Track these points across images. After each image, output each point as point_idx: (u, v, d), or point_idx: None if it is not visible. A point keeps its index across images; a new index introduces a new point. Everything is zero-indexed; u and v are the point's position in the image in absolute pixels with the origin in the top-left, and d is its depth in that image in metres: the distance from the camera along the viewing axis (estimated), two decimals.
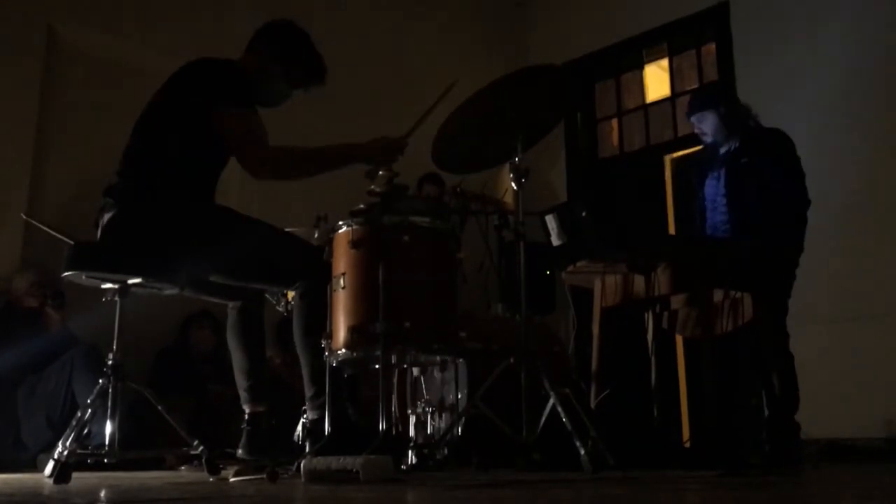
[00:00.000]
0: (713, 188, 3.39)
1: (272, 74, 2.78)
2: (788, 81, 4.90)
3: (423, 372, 3.07)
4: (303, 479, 2.16)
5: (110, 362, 2.48)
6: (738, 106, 3.45)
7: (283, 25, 2.84)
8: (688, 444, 3.60)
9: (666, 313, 3.37)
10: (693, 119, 3.40)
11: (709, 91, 3.58)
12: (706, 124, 3.35)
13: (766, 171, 3.24)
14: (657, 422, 3.27)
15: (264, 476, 2.25)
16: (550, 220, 3.10)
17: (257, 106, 2.75)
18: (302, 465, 2.20)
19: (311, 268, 2.65)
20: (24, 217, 3.71)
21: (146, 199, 2.58)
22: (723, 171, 3.34)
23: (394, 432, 2.82)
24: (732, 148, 3.35)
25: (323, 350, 2.56)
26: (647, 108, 5.96)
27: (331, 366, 2.58)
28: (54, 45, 4.25)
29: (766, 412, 3.17)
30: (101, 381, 2.49)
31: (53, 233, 3.11)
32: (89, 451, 2.56)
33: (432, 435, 3.01)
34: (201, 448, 2.49)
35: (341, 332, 2.52)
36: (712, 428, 2.87)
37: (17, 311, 3.67)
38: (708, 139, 3.37)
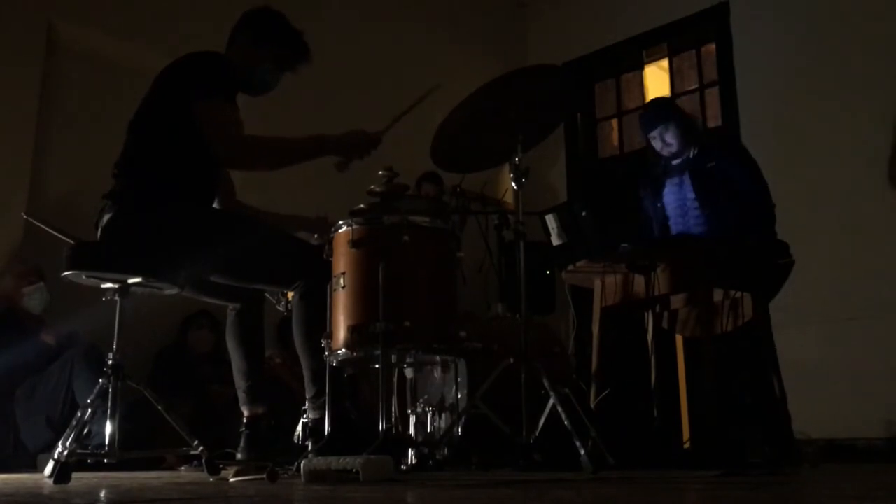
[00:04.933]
0: (676, 195, 3.41)
1: (257, 61, 2.79)
2: (788, 82, 4.91)
3: (418, 371, 3.07)
4: (303, 479, 2.16)
5: (110, 362, 2.48)
6: (689, 116, 3.52)
7: (259, 11, 2.86)
8: (688, 445, 3.60)
9: (666, 313, 3.37)
10: (656, 132, 3.38)
11: (663, 104, 3.61)
12: (670, 134, 3.36)
13: (737, 175, 3.28)
14: (657, 422, 3.27)
15: (264, 476, 2.25)
16: (550, 220, 3.10)
17: (250, 94, 2.79)
18: (302, 465, 2.19)
19: (311, 268, 2.65)
20: (25, 217, 3.71)
21: (144, 200, 2.59)
22: (686, 178, 3.37)
23: (394, 432, 2.82)
24: (692, 155, 3.38)
25: (323, 350, 2.56)
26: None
27: (331, 365, 2.58)
28: (54, 45, 4.25)
29: (764, 412, 3.17)
30: (101, 380, 2.49)
31: (55, 232, 3.11)
32: (89, 451, 2.55)
33: (432, 435, 3.01)
34: (201, 448, 2.49)
35: (341, 332, 2.51)
36: (712, 428, 2.87)
37: (19, 312, 3.66)
38: (673, 149, 3.38)
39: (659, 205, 3.47)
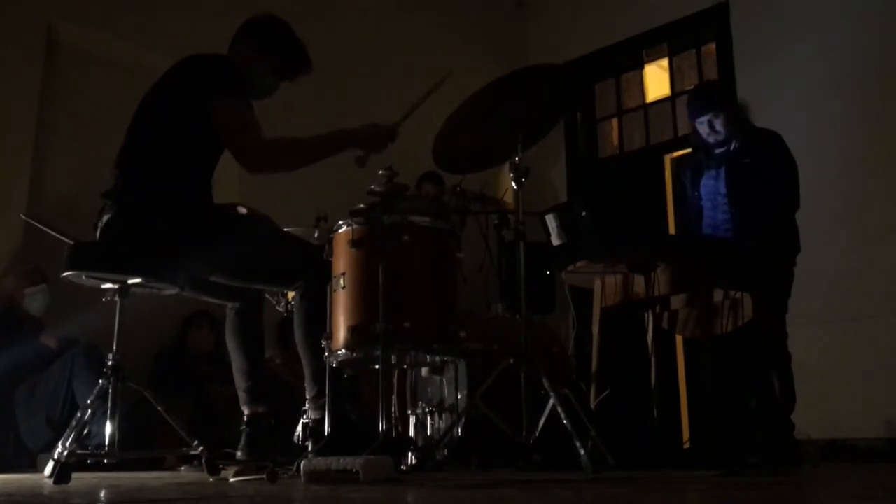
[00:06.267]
0: (711, 187, 3.37)
1: (258, 68, 2.79)
2: (788, 81, 4.91)
3: (431, 372, 3.07)
4: (303, 480, 2.16)
5: (110, 362, 2.48)
6: (739, 105, 3.45)
7: (265, 19, 2.86)
8: (688, 445, 3.60)
9: (666, 313, 3.36)
10: (706, 118, 3.29)
11: (717, 89, 3.49)
12: (720, 122, 3.28)
13: (765, 172, 3.24)
14: (657, 422, 3.27)
15: (264, 476, 2.25)
16: (550, 220, 3.09)
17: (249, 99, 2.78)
18: (302, 465, 2.19)
19: (312, 267, 2.65)
20: (24, 217, 3.71)
21: (144, 199, 2.59)
22: (722, 171, 3.32)
23: (394, 433, 2.82)
24: (733, 147, 3.32)
25: (323, 350, 2.56)
26: (646, 107, 5.96)
27: (331, 366, 2.58)
28: (54, 45, 4.25)
29: (764, 412, 3.17)
30: (101, 381, 2.48)
31: (53, 233, 3.11)
32: (89, 452, 2.56)
33: (432, 435, 3.00)
34: (201, 448, 2.49)
35: (341, 333, 2.51)
36: (712, 428, 2.87)
37: (19, 313, 3.66)
38: (720, 137, 3.30)
39: (696, 193, 3.43)
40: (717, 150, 3.36)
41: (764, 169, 3.24)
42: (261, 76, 2.80)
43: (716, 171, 3.35)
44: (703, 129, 3.34)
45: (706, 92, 3.49)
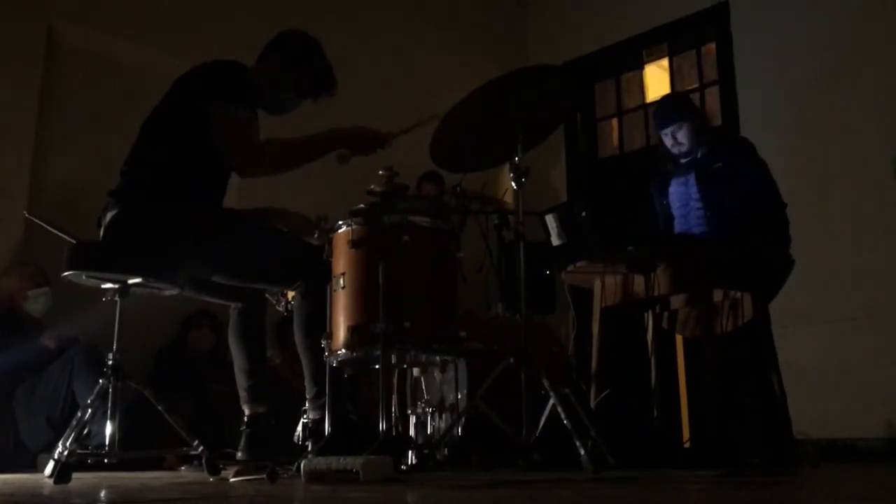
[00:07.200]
0: (681, 194, 3.39)
1: (280, 83, 2.81)
2: (788, 81, 4.91)
3: (423, 372, 3.08)
4: (303, 479, 2.16)
5: (110, 362, 2.48)
6: (703, 114, 3.50)
7: (295, 35, 2.87)
8: (688, 445, 3.60)
9: (666, 313, 3.37)
10: (670, 129, 3.35)
11: (680, 101, 3.56)
12: (683, 134, 3.33)
13: (743, 175, 3.26)
14: (657, 422, 3.27)
15: (264, 476, 2.25)
16: (550, 220, 3.09)
17: (263, 112, 2.79)
18: (302, 465, 2.20)
19: (312, 267, 2.65)
20: (27, 215, 3.71)
21: (148, 198, 2.60)
22: (691, 177, 3.35)
23: (394, 432, 2.82)
24: (700, 155, 3.35)
25: (323, 350, 2.57)
26: (647, 107, 5.96)
27: (331, 366, 2.58)
28: (54, 45, 4.25)
29: (764, 412, 3.17)
30: (101, 381, 2.49)
31: (56, 231, 3.10)
32: (89, 451, 2.56)
33: (432, 435, 3.01)
34: (201, 448, 2.49)
35: (341, 332, 2.52)
36: (712, 428, 2.87)
37: (19, 314, 3.65)
38: (684, 148, 3.35)
39: (665, 202, 3.46)
40: (683, 161, 3.40)
41: (739, 172, 3.27)
42: (280, 91, 2.81)
43: (684, 178, 3.38)
44: (667, 141, 3.39)
45: (669, 103, 3.54)
